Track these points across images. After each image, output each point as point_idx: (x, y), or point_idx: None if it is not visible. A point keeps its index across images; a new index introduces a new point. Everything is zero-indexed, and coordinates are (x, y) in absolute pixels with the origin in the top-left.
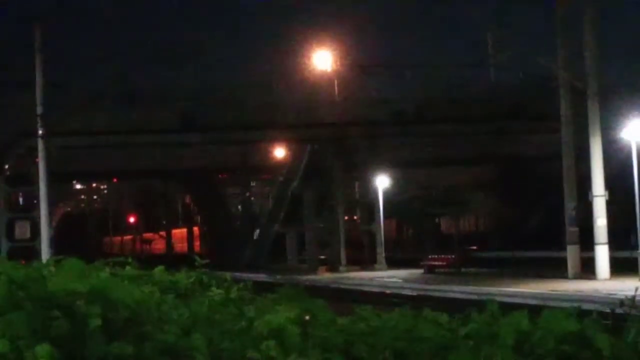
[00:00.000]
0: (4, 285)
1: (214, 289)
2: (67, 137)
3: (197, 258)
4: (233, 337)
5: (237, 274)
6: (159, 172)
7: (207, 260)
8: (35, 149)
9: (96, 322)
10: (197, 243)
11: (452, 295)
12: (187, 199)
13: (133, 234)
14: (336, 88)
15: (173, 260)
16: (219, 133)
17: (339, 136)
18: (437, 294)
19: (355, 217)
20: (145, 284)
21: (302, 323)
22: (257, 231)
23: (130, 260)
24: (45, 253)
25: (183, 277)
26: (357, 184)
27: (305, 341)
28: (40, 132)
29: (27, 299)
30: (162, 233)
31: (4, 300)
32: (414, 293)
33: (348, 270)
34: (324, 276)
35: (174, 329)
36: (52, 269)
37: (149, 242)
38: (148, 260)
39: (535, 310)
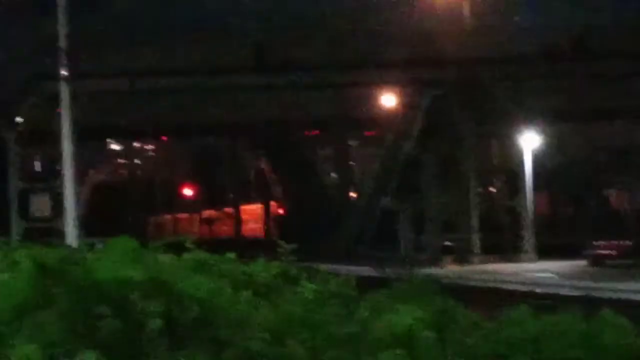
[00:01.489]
0: (30, 272)
1: (304, 283)
2: (101, 80)
3: (282, 243)
4: (341, 344)
5: (331, 266)
6: (225, 128)
7: (293, 246)
8: (57, 96)
9: (157, 322)
10: (275, 223)
11: (636, 298)
12: (263, 165)
13: (189, 211)
14: (466, 13)
15: (245, 245)
16: (306, 74)
17: (470, 78)
18: (612, 295)
19: (491, 189)
20: (209, 276)
21: (438, 326)
22: (358, 207)
23: (187, 242)
24: (71, 236)
25: (262, 269)
26: (494, 144)
27: (443, 350)
28: (63, 72)
29: (63, 291)
30: (229, 210)
31: (33, 292)
32: (578, 293)
33: (482, 262)
34: (450, 270)
35: (260, 334)
36: (89, 255)
37: (211, 222)
38: (211, 246)
39: None
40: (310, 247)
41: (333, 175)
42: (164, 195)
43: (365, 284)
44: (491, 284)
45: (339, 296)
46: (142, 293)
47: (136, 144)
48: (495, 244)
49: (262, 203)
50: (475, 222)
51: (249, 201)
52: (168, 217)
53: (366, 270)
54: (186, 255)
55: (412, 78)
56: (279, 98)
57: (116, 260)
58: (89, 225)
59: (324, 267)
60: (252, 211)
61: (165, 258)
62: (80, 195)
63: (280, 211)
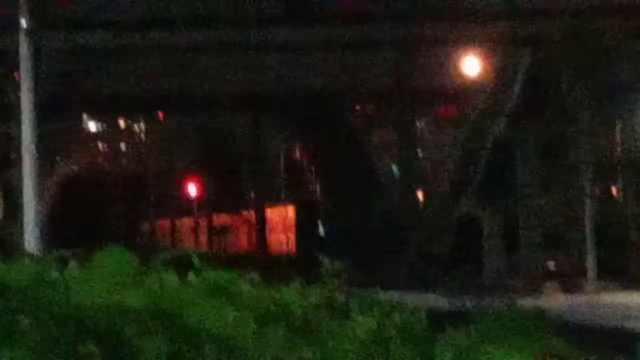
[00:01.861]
0: None
1: (356, 317)
2: (75, 33)
3: (324, 260)
4: None
5: (393, 294)
6: (244, 101)
7: (340, 265)
8: (12, 52)
9: None
10: (312, 233)
11: None
12: (296, 152)
13: (195, 215)
14: None
15: (271, 263)
16: (355, 28)
17: (582, 34)
18: None
19: (613, 189)
20: (228, 305)
21: None
22: (428, 213)
23: (194, 258)
24: (31, 247)
25: (297, 296)
26: (618, 127)
27: None
28: (23, 22)
29: (34, 322)
30: (249, 214)
31: None
32: None
33: (599, 290)
34: (554, 300)
35: None
36: (66, 273)
37: (224, 230)
38: (226, 263)
39: None
40: (363, 267)
41: (394, 167)
42: (160, 194)
43: (439, 318)
44: (616, 322)
45: (405, 335)
46: (140, 326)
47: (122, 123)
48: (617, 266)
49: (294, 205)
50: (589, 235)
51: (276, 202)
52: (165, 222)
53: (440, 300)
54: (194, 276)
55: (503, 34)
56: (319, 60)
57: (106, 282)
58: (56, 233)
59: (382, 294)
60: (281, 215)
61: (171, 279)
62: (44, 192)
63: (320, 217)
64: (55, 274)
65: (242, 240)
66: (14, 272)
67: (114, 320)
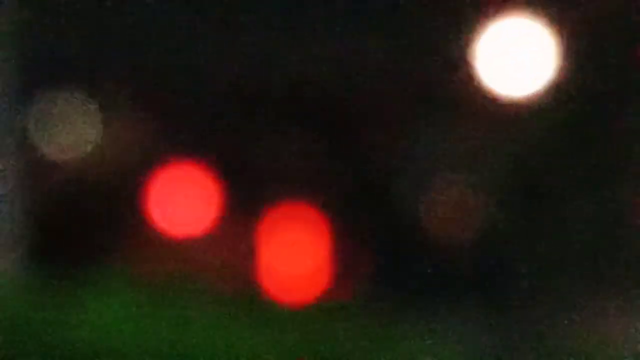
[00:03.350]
0: None
1: None
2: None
3: None
4: None
5: None
6: (234, 86)
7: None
8: None
9: None
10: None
11: None
12: (284, 148)
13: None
14: None
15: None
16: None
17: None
18: None
19: None
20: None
21: None
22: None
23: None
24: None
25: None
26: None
27: None
28: None
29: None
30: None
31: None
32: None
33: None
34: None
35: None
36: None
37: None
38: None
39: None
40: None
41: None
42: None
43: None
44: None
45: None
46: None
47: (93, 104)
48: None
49: (282, 210)
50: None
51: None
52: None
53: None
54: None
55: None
56: (312, 48)
57: (109, 308)
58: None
59: None
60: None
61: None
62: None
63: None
64: (38, 295)
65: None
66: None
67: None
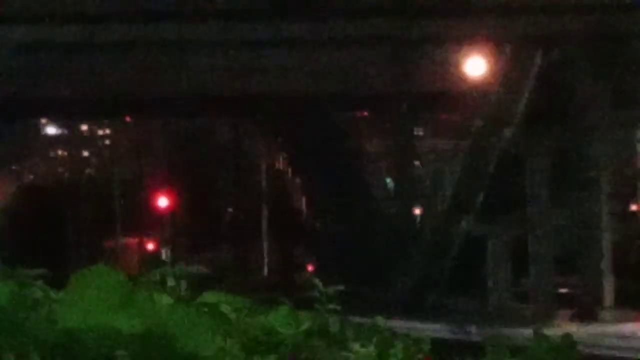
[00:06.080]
0: None
1: (353, 346)
2: (35, 25)
3: (316, 282)
4: None
5: (391, 322)
6: (219, 103)
7: (337, 288)
8: None
9: None
10: (299, 252)
11: None
12: (280, 162)
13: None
14: None
15: (255, 284)
16: (348, 24)
17: (604, 33)
18: None
19: (633, 208)
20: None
21: None
22: (427, 232)
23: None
24: None
25: (287, 322)
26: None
27: None
28: None
29: (17, 346)
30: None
31: None
32: None
33: (617, 320)
34: (567, 330)
35: None
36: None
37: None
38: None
39: None
40: (357, 292)
41: (389, 180)
42: (128, 207)
43: (443, 349)
44: (634, 356)
45: None
46: (133, 352)
47: (84, 127)
48: (637, 293)
49: (278, 223)
50: (607, 257)
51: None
52: (133, 241)
53: (442, 329)
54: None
55: (511, 31)
56: (307, 59)
57: (94, 303)
58: (9, 249)
59: (380, 321)
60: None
61: (162, 300)
62: None
63: (307, 236)
64: (37, 294)
65: (221, 257)
66: None
67: (105, 345)
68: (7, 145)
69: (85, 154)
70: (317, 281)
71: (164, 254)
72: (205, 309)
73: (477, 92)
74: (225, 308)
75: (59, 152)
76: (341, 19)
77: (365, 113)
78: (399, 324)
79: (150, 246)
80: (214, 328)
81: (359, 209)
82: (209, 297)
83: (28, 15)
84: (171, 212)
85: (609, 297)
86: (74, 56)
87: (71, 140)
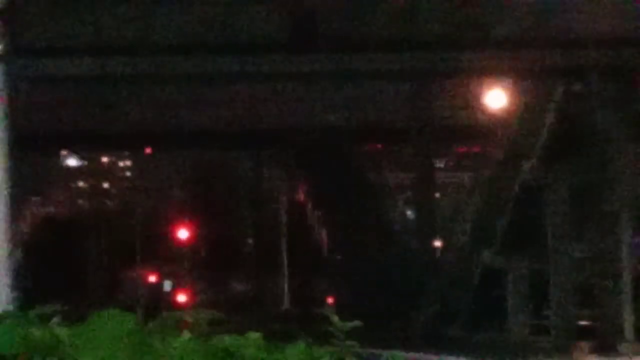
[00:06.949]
0: None
1: None
2: (54, 59)
3: (333, 317)
4: None
5: (409, 355)
6: (241, 137)
7: (353, 324)
8: None
9: None
10: (317, 286)
11: None
12: (299, 193)
13: (185, 263)
14: None
15: (271, 319)
16: (365, 58)
17: (625, 66)
18: None
19: None
20: None
21: None
22: (447, 265)
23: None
24: (1, 299)
25: (302, 357)
26: None
27: None
28: None
29: None
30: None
31: None
32: None
33: (637, 352)
34: None
35: None
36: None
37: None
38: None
39: None
40: (375, 326)
41: (409, 213)
42: (150, 239)
43: None
44: None
45: None
46: None
47: (105, 159)
48: None
49: (296, 256)
50: (628, 290)
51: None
52: (152, 273)
53: None
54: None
55: (530, 64)
56: (325, 92)
57: (108, 347)
58: (27, 284)
59: (399, 356)
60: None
61: (178, 343)
62: (16, 237)
63: (325, 269)
64: (54, 337)
65: (236, 289)
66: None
67: None
68: (28, 177)
69: (106, 185)
70: (334, 316)
71: (178, 285)
72: (220, 352)
73: (498, 125)
74: (239, 348)
75: (80, 185)
76: (361, 53)
77: (385, 146)
78: (418, 357)
79: (166, 279)
80: None
81: (379, 242)
82: (224, 339)
83: (48, 48)
84: (191, 244)
85: (628, 330)
86: (92, 88)
87: (92, 172)
